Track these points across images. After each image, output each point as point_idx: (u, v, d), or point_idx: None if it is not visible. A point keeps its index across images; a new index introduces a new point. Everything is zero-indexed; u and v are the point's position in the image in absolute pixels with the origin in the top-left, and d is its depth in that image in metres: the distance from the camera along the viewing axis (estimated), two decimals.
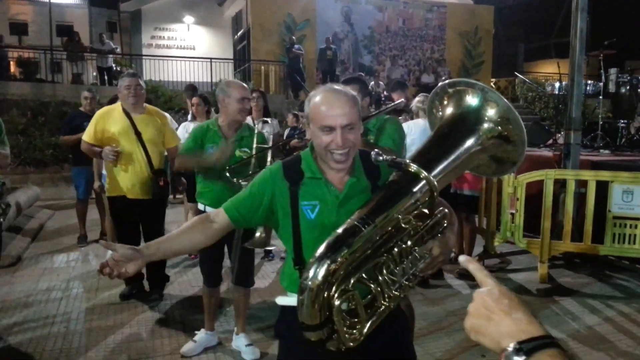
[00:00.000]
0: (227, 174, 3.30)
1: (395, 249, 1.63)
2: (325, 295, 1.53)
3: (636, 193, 5.01)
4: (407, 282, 1.65)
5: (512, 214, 5.41)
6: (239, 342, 3.68)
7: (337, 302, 1.54)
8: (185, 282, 5.05)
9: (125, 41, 18.04)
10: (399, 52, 19.40)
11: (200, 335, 3.74)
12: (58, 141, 7.06)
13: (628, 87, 8.34)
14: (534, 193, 5.42)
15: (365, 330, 1.60)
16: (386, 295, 1.62)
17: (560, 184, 5.51)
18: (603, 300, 4.71)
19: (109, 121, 4.42)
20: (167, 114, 4.88)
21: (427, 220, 1.70)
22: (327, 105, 1.74)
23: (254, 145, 3.46)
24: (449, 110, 1.84)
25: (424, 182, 1.62)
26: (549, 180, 5.16)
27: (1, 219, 3.63)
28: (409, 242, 1.65)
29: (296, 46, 15.74)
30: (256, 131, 3.54)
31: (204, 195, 3.57)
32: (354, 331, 1.59)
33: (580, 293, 4.89)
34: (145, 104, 4.56)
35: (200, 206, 3.60)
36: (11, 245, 5.97)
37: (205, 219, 1.87)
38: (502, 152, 1.81)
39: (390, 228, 1.62)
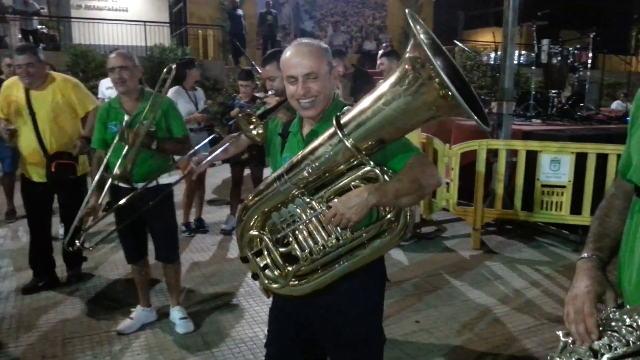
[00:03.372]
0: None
1: (296, 199, 1.74)
2: (245, 230, 1.87)
3: (563, 162, 5.25)
4: (306, 233, 1.73)
5: (447, 183, 5.57)
6: (174, 315, 3.69)
7: (247, 236, 1.86)
8: (120, 259, 4.91)
9: (53, 2, 16.93)
10: (341, 17, 19.25)
11: (137, 312, 3.69)
12: None
13: (559, 58, 8.63)
14: (468, 162, 5.58)
15: (285, 280, 1.82)
16: (297, 245, 1.76)
17: (493, 153, 5.70)
18: (531, 264, 4.96)
19: (10, 96, 4.12)
20: (75, 80, 4.34)
21: (343, 178, 1.69)
22: (290, 56, 1.83)
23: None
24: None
25: (338, 136, 1.60)
26: (482, 150, 5.32)
27: None
28: (309, 193, 1.73)
29: (239, 11, 15.35)
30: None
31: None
32: (273, 275, 1.85)
33: (510, 258, 5.13)
34: (50, 73, 4.16)
35: None
36: None
37: None
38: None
39: (299, 178, 1.71)
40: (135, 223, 3.42)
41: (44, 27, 13.87)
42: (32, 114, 4.02)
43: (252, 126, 2.21)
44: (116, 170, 3.24)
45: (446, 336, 3.59)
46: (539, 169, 5.33)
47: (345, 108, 1.72)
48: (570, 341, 1.33)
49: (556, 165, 5.27)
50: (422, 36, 1.44)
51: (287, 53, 1.85)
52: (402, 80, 1.49)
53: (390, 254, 5.11)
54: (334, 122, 1.61)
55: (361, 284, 1.89)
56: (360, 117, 1.58)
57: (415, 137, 5.14)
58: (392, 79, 1.52)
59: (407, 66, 1.48)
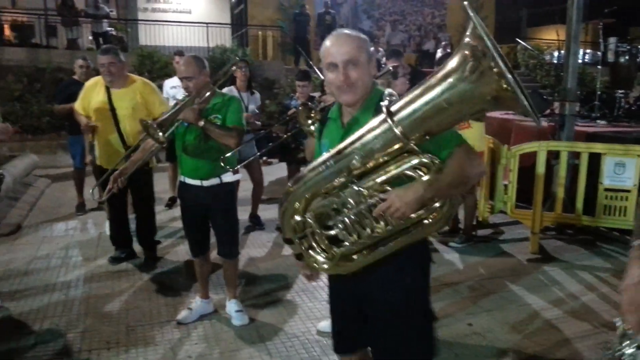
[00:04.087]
0: (222, 164, 3.35)
1: (344, 186, 1.77)
2: (287, 214, 1.90)
3: (628, 166, 5.05)
4: (356, 220, 1.77)
5: (505, 185, 5.46)
6: (230, 307, 3.82)
7: (291, 221, 1.90)
8: (183, 250, 5.13)
9: (121, 4, 17.68)
10: (400, 17, 19.09)
11: (196, 303, 3.84)
12: (53, 109, 7.06)
13: (627, 57, 8.26)
14: (528, 164, 5.46)
15: (332, 261, 1.88)
16: (346, 230, 1.81)
17: (554, 156, 5.54)
18: (592, 270, 4.80)
19: (91, 94, 4.53)
20: (153, 85, 4.70)
21: (392, 167, 1.72)
22: (330, 44, 1.89)
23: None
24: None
25: (387, 125, 1.62)
26: (542, 152, 5.18)
27: None
28: (358, 181, 1.75)
29: (304, 14, 15.49)
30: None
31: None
32: (320, 257, 1.90)
33: (570, 263, 4.97)
34: (130, 75, 4.54)
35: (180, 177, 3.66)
36: (10, 214, 6.05)
37: None
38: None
39: (346, 165, 1.73)
40: (200, 219, 3.62)
41: (112, 29, 14.50)
42: (113, 109, 4.38)
43: (310, 121, 2.28)
44: (157, 119, 3.34)
45: (499, 340, 3.54)
46: (602, 172, 5.15)
47: (386, 92, 1.74)
48: (628, 329, 1.32)
49: (621, 168, 5.08)
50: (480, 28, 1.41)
51: (327, 42, 1.91)
52: (458, 69, 1.47)
53: (444, 256, 5.08)
54: (384, 109, 1.62)
55: (405, 261, 1.93)
56: (411, 105, 1.58)
57: (480, 139, 5.09)
58: (447, 68, 1.51)
59: (465, 53, 1.46)
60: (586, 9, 6.07)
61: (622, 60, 8.21)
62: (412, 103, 1.58)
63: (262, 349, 3.40)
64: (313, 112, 2.43)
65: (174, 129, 3.40)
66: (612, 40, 8.18)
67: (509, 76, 1.36)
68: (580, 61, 6.98)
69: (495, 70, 1.38)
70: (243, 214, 5.96)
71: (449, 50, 15.47)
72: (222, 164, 3.33)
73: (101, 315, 3.83)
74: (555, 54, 9.23)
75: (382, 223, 1.76)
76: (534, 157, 5.27)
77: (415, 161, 1.68)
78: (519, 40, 17.25)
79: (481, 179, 5.63)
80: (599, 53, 8.45)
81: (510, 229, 6.00)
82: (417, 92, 1.58)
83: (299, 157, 5.62)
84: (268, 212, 6.34)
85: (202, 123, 3.30)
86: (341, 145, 1.75)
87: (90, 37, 14.14)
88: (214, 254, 3.89)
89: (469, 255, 5.11)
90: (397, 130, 1.58)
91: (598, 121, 7.51)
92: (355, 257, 1.88)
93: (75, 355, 3.30)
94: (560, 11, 19.95)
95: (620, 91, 8.09)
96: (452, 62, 1.49)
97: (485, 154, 5.54)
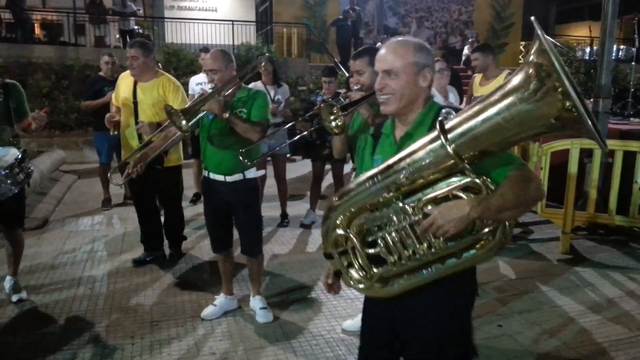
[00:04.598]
0: (241, 157, 3.28)
1: (389, 202, 1.70)
2: (328, 231, 1.84)
3: None
4: (397, 238, 1.70)
5: None
6: (255, 304, 3.78)
7: (333, 234, 1.82)
8: (207, 246, 5.11)
9: (148, 3, 17.86)
10: (426, 13, 18.92)
11: (220, 299, 3.82)
12: (81, 105, 7.15)
13: None
14: (560, 162, 5.31)
15: (370, 282, 1.80)
16: (386, 248, 1.73)
17: (587, 153, 5.38)
18: (625, 272, 4.64)
19: (122, 86, 4.52)
20: (178, 84, 4.58)
21: (441, 186, 1.62)
22: (381, 51, 1.86)
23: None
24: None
25: (440, 142, 1.53)
26: (575, 150, 5.03)
27: (25, 184, 3.67)
28: (402, 199, 1.68)
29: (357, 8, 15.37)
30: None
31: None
32: (358, 275, 1.84)
33: (602, 265, 4.82)
34: (159, 71, 4.52)
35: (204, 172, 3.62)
36: (37, 208, 6.12)
37: None
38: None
39: (394, 181, 1.66)
40: (223, 214, 3.59)
41: (139, 27, 14.65)
42: (135, 103, 4.37)
43: (332, 117, 2.24)
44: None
45: (530, 342, 3.43)
46: (637, 171, 4.98)
47: (443, 110, 1.66)
48: None
49: None
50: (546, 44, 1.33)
51: (382, 48, 1.86)
52: (521, 89, 1.39)
53: None
54: (438, 126, 1.53)
55: (447, 293, 1.81)
56: (467, 123, 1.49)
57: None
58: (508, 86, 1.42)
59: (530, 72, 1.37)
60: (621, 3, 5.86)
61: None
62: (468, 120, 1.49)
63: (286, 347, 3.36)
64: (335, 108, 2.39)
65: (198, 120, 3.37)
66: None
67: (575, 96, 1.27)
68: (613, 57, 6.77)
69: (560, 90, 1.30)
70: (269, 211, 5.96)
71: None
72: (240, 157, 3.28)
73: (126, 310, 3.83)
74: (587, 50, 8.98)
75: (424, 244, 1.66)
76: (566, 154, 5.12)
77: (466, 181, 1.58)
78: (548, 37, 16.91)
79: None
80: (632, 49, 8.20)
81: (540, 229, 5.85)
82: (474, 109, 1.49)
83: (323, 154, 5.57)
84: (291, 209, 6.30)
85: (226, 115, 3.26)
86: (391, 161, 1.66)
87: (118, 35, 14.31)
88: (238, 251, 3.85)
89: (498, 255, 4.96)
90: (449, 149, 1.50)
91: (631, 119, 7.30)
92: (394, 281, 1.79)
93: (100, 350, 3.30)
94: (589, 7, 19.57)
95: None
96: (514, 80, 1.41)
97: (516, 151, 5.41)
